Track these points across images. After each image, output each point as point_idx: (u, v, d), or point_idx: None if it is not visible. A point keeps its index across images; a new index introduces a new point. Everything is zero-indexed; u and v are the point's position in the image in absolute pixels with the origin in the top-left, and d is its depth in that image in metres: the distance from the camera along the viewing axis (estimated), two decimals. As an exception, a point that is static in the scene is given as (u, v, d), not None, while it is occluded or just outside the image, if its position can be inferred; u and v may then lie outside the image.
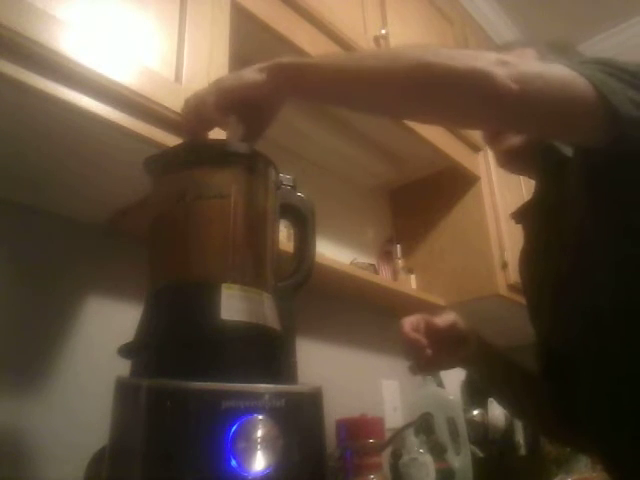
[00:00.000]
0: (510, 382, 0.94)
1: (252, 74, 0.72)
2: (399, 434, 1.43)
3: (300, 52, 1.23)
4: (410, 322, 0.86)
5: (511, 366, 0.95)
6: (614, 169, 0.68)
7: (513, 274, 1.67)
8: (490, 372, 0.94)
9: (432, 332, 0.85)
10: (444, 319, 0.87)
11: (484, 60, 0.60)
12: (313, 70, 0.71)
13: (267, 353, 0.68)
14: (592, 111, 0.62)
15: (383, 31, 1.52)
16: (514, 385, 0.94)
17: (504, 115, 0.64)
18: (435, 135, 1.67)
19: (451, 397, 1.54)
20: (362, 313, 1.70)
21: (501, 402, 1.09)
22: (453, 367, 0.94)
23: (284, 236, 1.16)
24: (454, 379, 1.69)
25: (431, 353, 0.83)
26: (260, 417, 0.59)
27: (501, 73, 0.58)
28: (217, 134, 0.92)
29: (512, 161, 0.92)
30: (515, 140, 0.88)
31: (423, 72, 0.62)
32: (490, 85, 0.59)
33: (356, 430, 1.33)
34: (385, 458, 1.41)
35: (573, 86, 0.62)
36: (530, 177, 0.96)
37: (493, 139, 0.92)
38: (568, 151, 0.79)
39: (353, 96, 0.71)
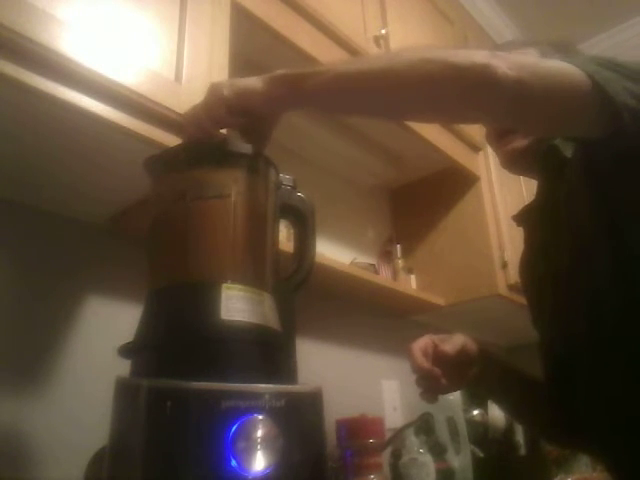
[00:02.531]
0: (508, 387, 0.94)
1: (253, 82, 0.72)
2: (399, 434, 1.43)
3: (300, 52, 1.23)
4: (419, 347, 0.82)
5: (509, 371, 0.94)
6: (613, 165, 0.68)
7: (513, 274, 1.67)
8: (489, 380, 0.93)
9: (441, 356, 0.82)
10: (454, 344, 0.83)
11: (479, 54, 0.62)
12: (311, 77, 0.70)
13: (267, 353, 0.68)
14: (588, 100, 0.62)
15: (383, 31, 1.52)
16: (513, 390, 0.94)
17: (503, 105, 0.64)
18: (435, 135, 1.67)
19: (451, 397, 1.54)
20: (362, 313, 1.70)
21: (500, 406, 1.09)
22: (462, 389, 0.93)
23: (284, 236, 1.16)
24: (454, 379, 1.69)
25: (445, 382, 0.80)
26: (260, 417, 0.59)
27: (498, 63, 0.60)
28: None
29: (516, 163, 0.92)
30: (521, 142, 0.88)
31: (422, 67, 0.63)
32: (489, 74, 0.60)
33: (356, 430, 1.33)
34: (385, 458, 1.41)
35: (569, 75, 0.63)
36: (533, 178, 0.96)
37: (498, 141, 0.92)
38: (569, 152, 0.79)
39: (353, 99, 0.70)
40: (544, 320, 0.88)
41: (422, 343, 0.83)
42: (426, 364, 0.80)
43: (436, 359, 0.82)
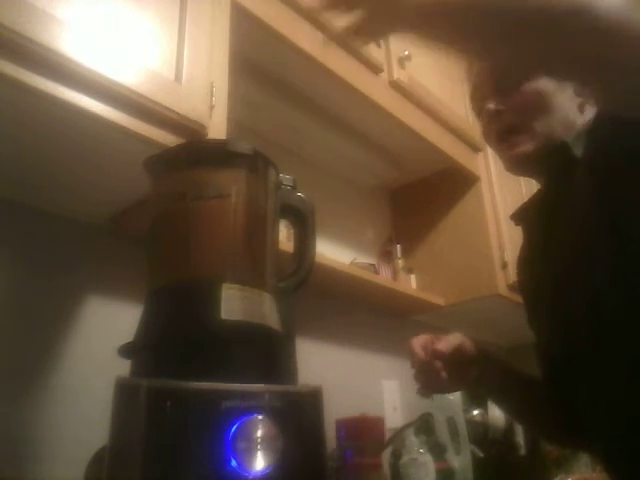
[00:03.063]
0: (508, 388, 0.94)
1: None
2: (399, 434, 1.43)
3: (300, 52, 1.23)
4: (419, 343, 0.83)
5: (509, 371, 0.94)
6: (633, 172, 0.67)
7: (513, 274, 1.67)
8: (489, 380, 0.93)
9: (436, 355, 0.82)
10: (448, 343, 0.84)
11: None
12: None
13: (267, 353, 0.68)
14: None
15: (383, 31, 1.51)
16: (512, 390, 0.93)
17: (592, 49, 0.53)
18: (435, 135, 1.67)
19: (451, 397, 1.54)
20: (362, 313, 1.70)
21: (500, 406, 1.08)
22: (461, 389, 0.92)
23: (284, 236, 1.16)
24: (454, 379, 1.69)
25: (446, 376, 0.81)
26: (260, 417, 0.59)
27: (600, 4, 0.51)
28: (218, 134, 0.92)
29: (521, 166, 0.91)
30: (527, 146, 0.86)
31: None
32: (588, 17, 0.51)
33: (356, 430, 1.33)
34: (385, 458, 1.41)
35: None
36: (536, 179, 0.94)
37: (500, 143, 0.90)
38: (579, 151, 0.78)
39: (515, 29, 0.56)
40: (540, 319, 0.88)
41: (422, 339, 0.84)
42: (428, 358, 0.81)
43: (432, 357, 0.82)
